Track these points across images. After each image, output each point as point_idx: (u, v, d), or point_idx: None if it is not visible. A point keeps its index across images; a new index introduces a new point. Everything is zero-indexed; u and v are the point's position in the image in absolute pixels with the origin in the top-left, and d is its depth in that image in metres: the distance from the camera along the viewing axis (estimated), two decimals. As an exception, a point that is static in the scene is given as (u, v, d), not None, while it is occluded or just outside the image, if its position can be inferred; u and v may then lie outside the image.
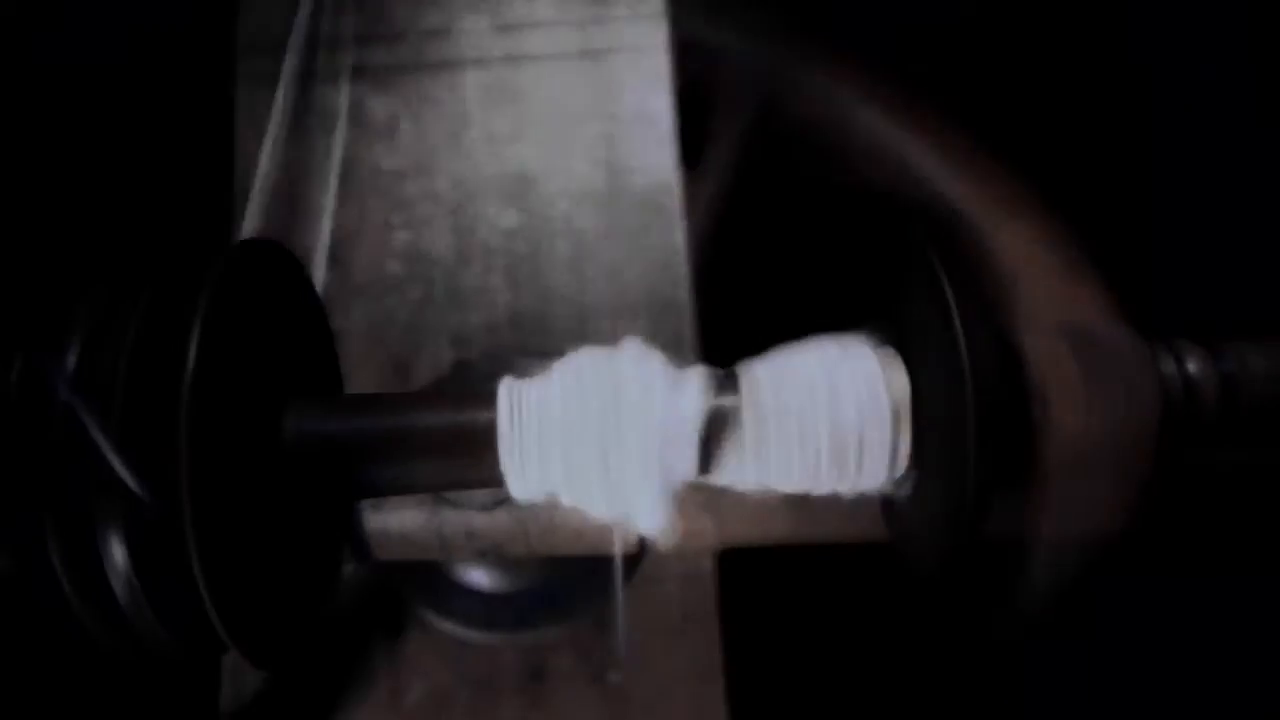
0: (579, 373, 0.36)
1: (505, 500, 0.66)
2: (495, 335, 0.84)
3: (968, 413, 0.32)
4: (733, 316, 0.83)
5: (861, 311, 0.42)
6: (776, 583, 0.80)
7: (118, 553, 0.29)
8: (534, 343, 0.83)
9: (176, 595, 0.30)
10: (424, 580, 0.78)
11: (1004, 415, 0.33)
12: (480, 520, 0.65)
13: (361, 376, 0.81)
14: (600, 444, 0.35)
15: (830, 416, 0.36)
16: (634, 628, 0.78)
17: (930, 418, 0.36)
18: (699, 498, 0.65)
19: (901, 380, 0.37)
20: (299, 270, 0.39)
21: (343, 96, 0.81)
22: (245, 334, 0.33)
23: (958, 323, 0.33)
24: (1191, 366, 0.36)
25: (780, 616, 0.81)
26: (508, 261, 0.85)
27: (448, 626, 0.77)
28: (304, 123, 0.85)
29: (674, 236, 0.84)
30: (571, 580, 0.78)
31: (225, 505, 0.31)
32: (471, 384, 0.81)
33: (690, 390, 0.36)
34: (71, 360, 0.29)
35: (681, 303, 0.83)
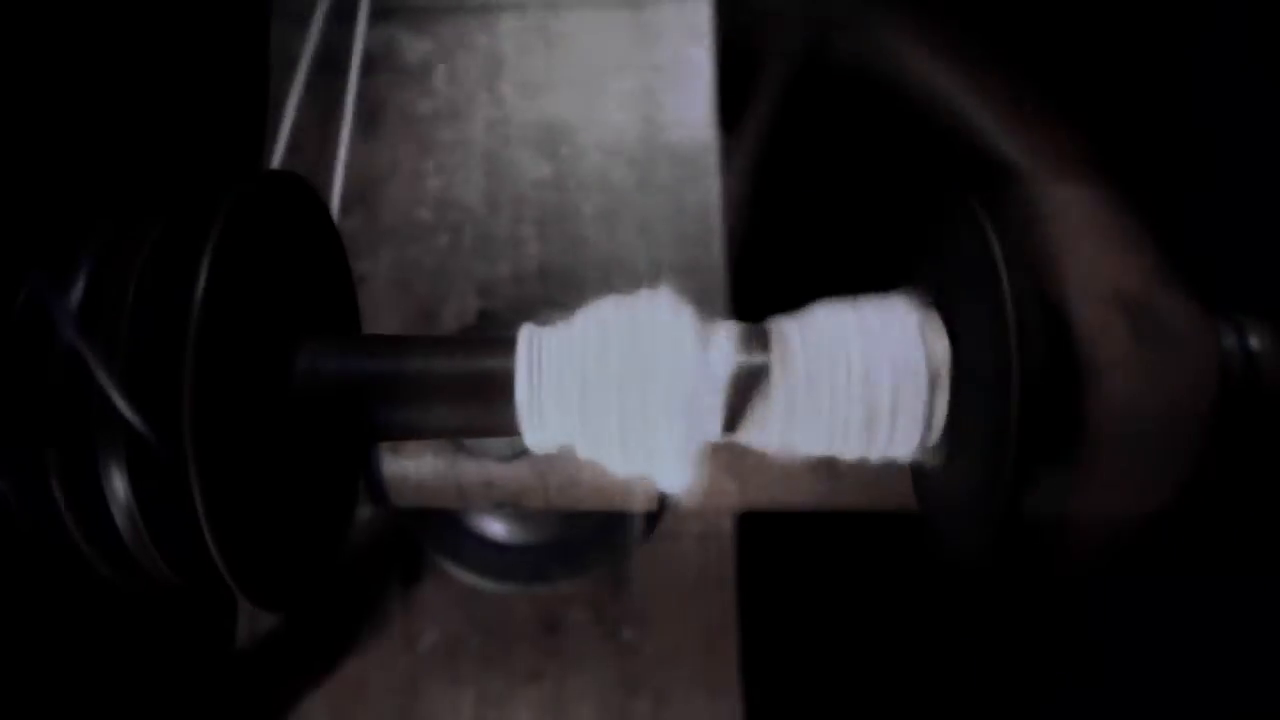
0: (603, 322, 0.35)
1: (525, 451, 0.65)
2: (523, 286, 0.83)
3: (1011, 379, 0.31)
4: (765, 278, 0.82)
5: (900, 277, 0.40)
6: (794, 546, 0.79)
7: (120, 487, 0.28)
8: (562, 295, 0.82)
9: (180, 532, 0.30)
10: (441, 529, 0.78)
11: (1049, 383, 0.32)
12: (499, 471, 0.64)
13: (387, 323, 0.80)
14: (622, 397, 0.34)
15: (864, 378, 0.34)
16: (650, 585, 0.77)
17: (970, 383, 0.34)
18: (722, 459, 0.64)
19: (941, 343, 0.35)
20: (319, 205, 0.38)
21: (359, 35, 0.79)
22: (259, 267, 0.32)
23: (1004, 284, 0.31)
24: (1254, 341, 0.34)
25: (797, 580, 0.80)
26: (538, 212, 0.84)
27: (464, 575, 0.77)
28: (337, 62, 0.83)
29: (709, 193, 0.82)
30: (588, 535, 0.78)
31: (231, 443, 0.30)
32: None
33: (719, 344, 0.35)
34: (77, 289, 0.28)
35: (714, 261, 0.81)
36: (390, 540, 0.77)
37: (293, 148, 0.77)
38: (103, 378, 0.26)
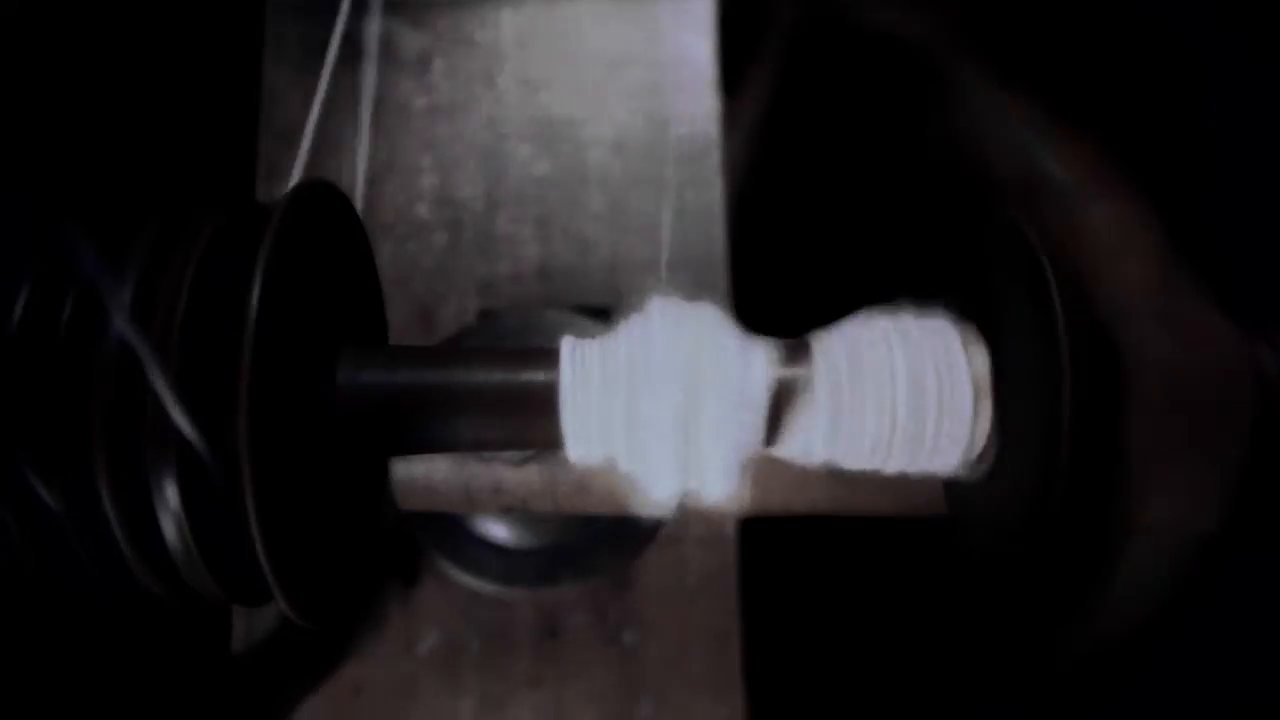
0: (647, 335, 0.34)
1: (535, 456, 0.64)
2: (523, 286, 0.82)
3: (1062, 393, 0.31)
4: (767, 265, 0.81)
5: (910, 269, 0.40)
6: (798, 549, 0.78)
7: (171, 499, 0.28)
8: (563, 295, 0.81)
9: (227, 544, 0.29)
10: (442, 531, 0.77)
11: (1097, 397, 0.32)
12: (509, 475, 0.64)
13: (386, 321, 0.79)
14: (670, 411, 0.33)
15: (908, 393, 0.34)
16: (652, 589, 0.77)
17: (1013, 397, 0.34)
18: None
19: (983, 357, 0.35)
20: (354, 214, 0.37)
21: (373, 30, 0.78)
22: (304, 278, 0.31)
23: (1055, 301, 0.32)
24: None
25: (801, 583, 0.80)
26: (539, 210, 0.83)
27: (464, 578, 0.76)
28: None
29: (712, 191, 0.82)
30: (591, 539, 0.77)
31: (280, 457, 0.29)
32: (497, 336, 0.79)
33: (764, 359, 0.35)
34: (127, 299, 0.28)
35: (717, 259, 0.80)
36: (391, 543, 0.76)
37: (289, 143, 0.76)
38: (158, 383, 0.25)
